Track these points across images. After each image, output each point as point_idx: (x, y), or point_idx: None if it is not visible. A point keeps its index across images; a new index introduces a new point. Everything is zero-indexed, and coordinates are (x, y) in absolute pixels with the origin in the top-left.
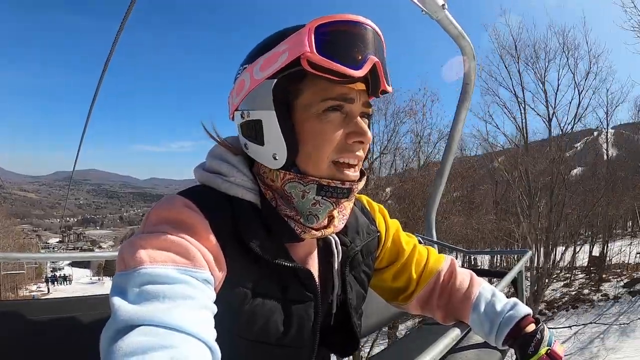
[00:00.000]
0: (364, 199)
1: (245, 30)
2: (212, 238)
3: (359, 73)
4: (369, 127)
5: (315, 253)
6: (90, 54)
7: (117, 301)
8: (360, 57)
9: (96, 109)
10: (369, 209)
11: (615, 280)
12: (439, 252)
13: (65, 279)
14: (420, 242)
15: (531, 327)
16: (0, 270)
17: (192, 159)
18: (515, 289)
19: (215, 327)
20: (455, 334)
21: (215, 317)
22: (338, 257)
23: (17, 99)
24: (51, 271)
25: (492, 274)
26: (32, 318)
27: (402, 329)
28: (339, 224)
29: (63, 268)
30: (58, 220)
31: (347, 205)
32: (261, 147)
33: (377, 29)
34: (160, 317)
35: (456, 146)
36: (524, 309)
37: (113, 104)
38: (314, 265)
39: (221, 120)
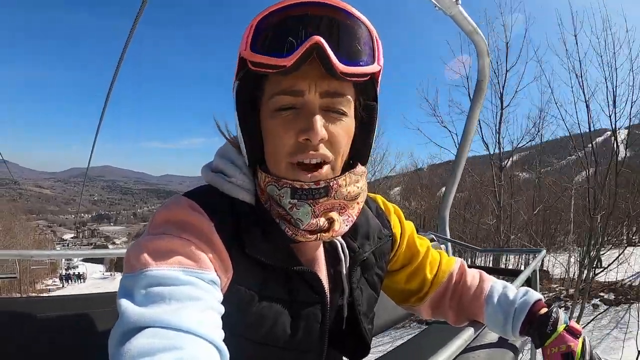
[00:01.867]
0: (380, 199)
1: None
2: (217, 240)
3: (287, 61)
4: (360, 122)
5: (322, 255)
6: (105, 51)
7: (124, 303)
8: (294, 42)
9: (110, 107)
10: (384, 209)
11: (543, 294)
12: (453, 250)
13: (80, 277)
14: (433, 240)
15: (544, 310)
16: (27, 265)
17: (204, 155)
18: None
19: (222, 329)
20: (468, 334)
21: (222, 318)
22: (345, 261)
23: (33, 95)
24: (65, 269)
25: (506, 273)
26: (44, 315)
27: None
28: (341, 228)
29: (77, 266)
30: (72, 216)
31: (352, 206)
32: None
33: (335, 4)
34: (167, 318)
35: (470, 142)
36: (535, 295)
37: (128, 102)
38: (321, 268)
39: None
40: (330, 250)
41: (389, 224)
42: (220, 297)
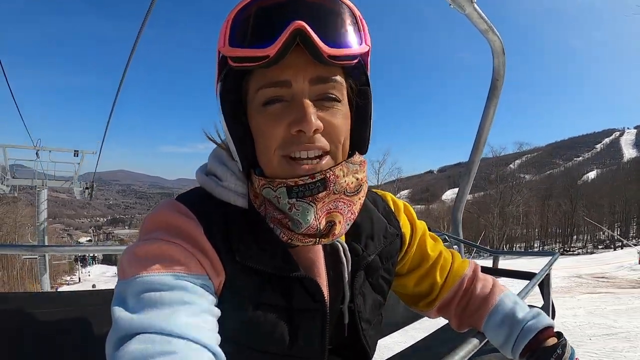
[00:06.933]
0: (389, 197)
1: None
2: (207, 243)
3: (269, 50)
4: (354, 108)
5: (321, 258)
6: (123, 55)
7: (117, 310)
8: (275, 30)
9: (125, 111)
10: (392, 207)
11: None
12: (465, 251)
13: (94, 258)
14: (446, 241)
15: (552, 341)
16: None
17: None
18: (541, 291)
19: (220, 333)
20: (472, 345)
21: (219, 322)
22: (347, 265)
23: (50, 99)
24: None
25: (518, 275)
26: (46, 310)
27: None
28: (341, 230)
29: (93, 266)
30: (88, 219)
31: (355, 202)
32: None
33: None
34: (159, 323)
35: (484, 143)
36: (546, 320)
37: (142, 106)
38: (320, 272)
39: None
40: (331, 252)
41: (397, 222)
42: (214, 300)
